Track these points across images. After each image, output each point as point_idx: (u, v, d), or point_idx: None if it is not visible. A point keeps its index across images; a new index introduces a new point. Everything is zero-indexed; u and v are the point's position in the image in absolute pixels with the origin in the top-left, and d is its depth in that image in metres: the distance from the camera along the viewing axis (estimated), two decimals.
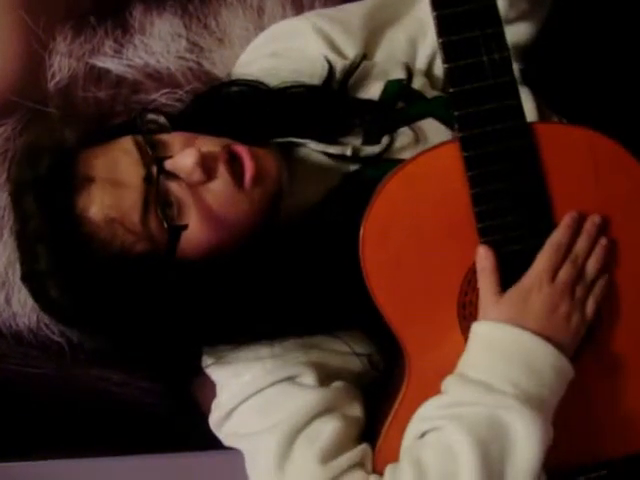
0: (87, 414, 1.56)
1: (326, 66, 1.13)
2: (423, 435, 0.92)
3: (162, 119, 1.01)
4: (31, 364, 1.52)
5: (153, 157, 0.95)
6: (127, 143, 0.97)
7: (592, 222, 0.94)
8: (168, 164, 0.95)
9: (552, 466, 0.94)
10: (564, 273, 0.93)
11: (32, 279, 0.99)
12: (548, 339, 0.90)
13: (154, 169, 0.94)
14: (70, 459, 1.59)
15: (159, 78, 1.45)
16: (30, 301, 1.49)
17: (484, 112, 0.90)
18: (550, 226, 0.94)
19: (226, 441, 1.05)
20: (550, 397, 0.89)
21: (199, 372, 1.08)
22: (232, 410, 1.01)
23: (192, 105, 1.16)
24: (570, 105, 1.12)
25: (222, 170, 0.96)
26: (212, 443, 1.34)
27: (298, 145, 1.09)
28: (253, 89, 1.12)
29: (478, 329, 0.93)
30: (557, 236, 0.93)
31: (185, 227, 0.95)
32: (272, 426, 0.96)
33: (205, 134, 1.01)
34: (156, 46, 1.46)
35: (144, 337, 1.00)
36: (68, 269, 0.94)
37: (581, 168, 0.94)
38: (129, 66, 1.46)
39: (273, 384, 0.98)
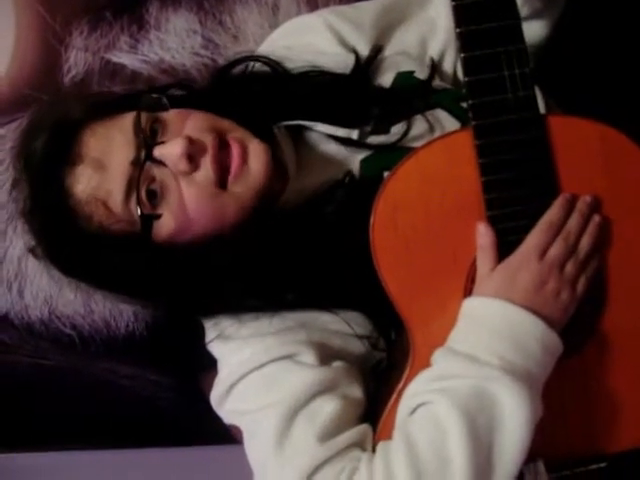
0: (96, 406, 1.57)
1: (348, 57, 1.15)
2: (414, 411, 0.92)
3: (163, 99, 1.04)
4: (42, 356, 1.53)
5: (144, 142, 0.99)
6: (128, 120, 1.01)
7: (584, 201, 0.94)
8: (157, 151, 0.99)
9: (551, 456, 0.94)
10: (554, 249, 0.93)
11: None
12: (534, 312, 0.91)
13: (143, 154, 0.99)
14: (78, 451, 1.59)
15: (174, 74, 1.47)
16: (42, 293, 1.52)
17: (498, 102, 0.91)
18: None
19: (227, 418, 1.06)
20: (536, 369, 0.90)
21: (207, 367, 1.09)
22: (232, 386, 1.01)
23: (212, 80, 1.20)
24: (578, 104, 1.12)
25: (207, 163, 1.00)
26: (220, 437, 1.34)
27: (308, 129, 1.11)
28: (272, 69, 1.15)
29: (467, 304, 0.94)
30: (549, 215, 0.93)
31: (158, 217, 1.00)
32: (271, 404, 0.97)
33: (211, 112, 1.04)
34: (171, 42, 1.47)
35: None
36: (52, 239, 1.02)
37: (591, 161, 0.95)
38: (144, 61, 1.47)
39: (273, 361, 0.99)
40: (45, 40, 1.45)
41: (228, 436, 1.16)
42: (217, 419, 1.07)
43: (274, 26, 1.41)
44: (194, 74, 1.46)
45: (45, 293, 1.50)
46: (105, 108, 1.05)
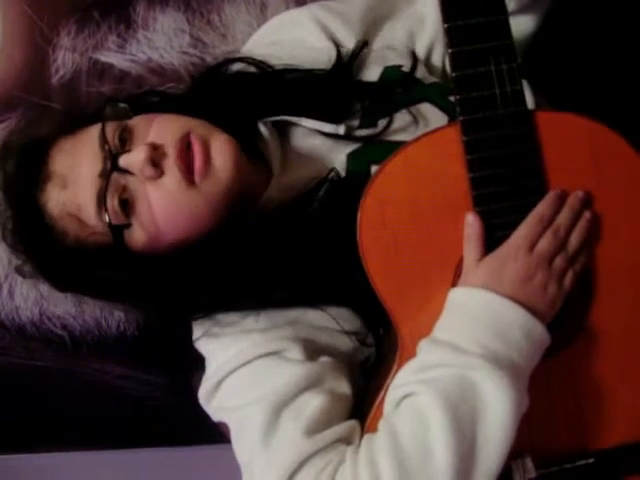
0: (88, 407, 1.57)
1: (333, 51, 1.15)
2: (399, 403, 0.92)
3: (125, 106, 1.07)
4: (34, 357, 1.53)
5: (109, 153, 1.00)
6: (94, 133, 1.02)
7: (575, 196, 0.94)
8: (122, 160, 1.00)
9: (540, 453, 0.94)
10: (543, 242, 0.93)
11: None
12: (520, 303, 0.91)
13: (109, 165, 1.00)
14: (71, 452, 1.60)
15: (162, 73, 1.47)
16: (32, 294, 1.52)
17: (486, 97, 0.91)
18: None
19: (214, 415, 1.05)
20: (521, 359, 0.89)
21: (200, 366, 1.09)
22: (219, 382, 1.01)
23: (195, 82, 1.20)
24: (567, 98, 1.13)
25: (171, 165, 1.00)
26: (213, 437, 1.34)
27: (294, 125, 1.11)
28: (256, 67, 1.15)
29: (452, 295, 0.94)
30: (539, 209, 0.93)
31: (127, 226, 1.01)
32: (258, 399, 0.97)
33: (182, 114, 1.05)
34: (159, 41, 1.47)
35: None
36: (37, 257, 1.06)
37: (580, 156, 0.95)
38: (132, 61, 1.47)
39: (260, 357, 0.99)
40: (32, 40, 1.45)
41: (221, 435, 1.16)
42: (210, 418, 1.07)
43: (262, 24, 1.40)
44: (182, 73, 1.46)
45: (35, 294, 1.50)
46: (73, 123, 1.07)
